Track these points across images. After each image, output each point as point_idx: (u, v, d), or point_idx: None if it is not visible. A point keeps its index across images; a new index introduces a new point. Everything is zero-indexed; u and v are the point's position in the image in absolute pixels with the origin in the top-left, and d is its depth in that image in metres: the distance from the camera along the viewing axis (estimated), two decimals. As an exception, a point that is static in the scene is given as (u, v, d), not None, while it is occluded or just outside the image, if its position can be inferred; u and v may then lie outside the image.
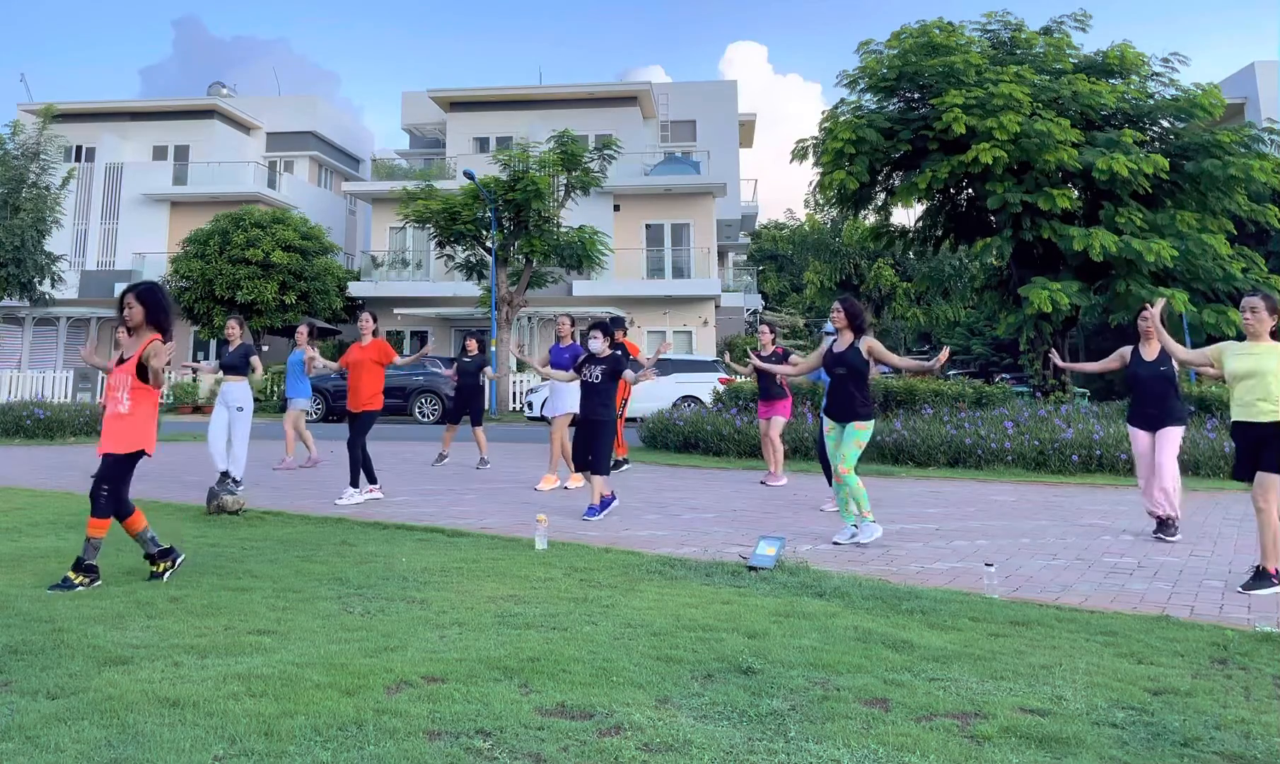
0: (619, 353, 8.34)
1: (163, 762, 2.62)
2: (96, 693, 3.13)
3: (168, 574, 5.01)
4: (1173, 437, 6.67)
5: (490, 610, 4.40)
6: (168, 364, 5.02)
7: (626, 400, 11.28)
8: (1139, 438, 6.91)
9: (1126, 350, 7.04)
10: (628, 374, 7.88)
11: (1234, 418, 5.31)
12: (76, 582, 4.77)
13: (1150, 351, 6.82)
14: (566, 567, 5.46)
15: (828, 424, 6.69)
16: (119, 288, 5.77)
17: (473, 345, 11.75)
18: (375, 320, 9.11)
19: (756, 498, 8.88)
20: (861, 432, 6.44)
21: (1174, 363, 6.64)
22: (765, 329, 10.16)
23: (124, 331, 5.31)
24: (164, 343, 5.01)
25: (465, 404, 11.83)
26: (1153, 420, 6.75)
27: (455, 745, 2.76)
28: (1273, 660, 3.72)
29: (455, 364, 11.73)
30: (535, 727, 2.92)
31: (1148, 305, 6.90)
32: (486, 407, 24.06)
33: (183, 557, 5.18)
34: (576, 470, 8.08)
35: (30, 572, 4.99)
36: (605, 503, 7.59)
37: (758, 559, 5.39)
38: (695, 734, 2.87)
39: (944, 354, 6.37)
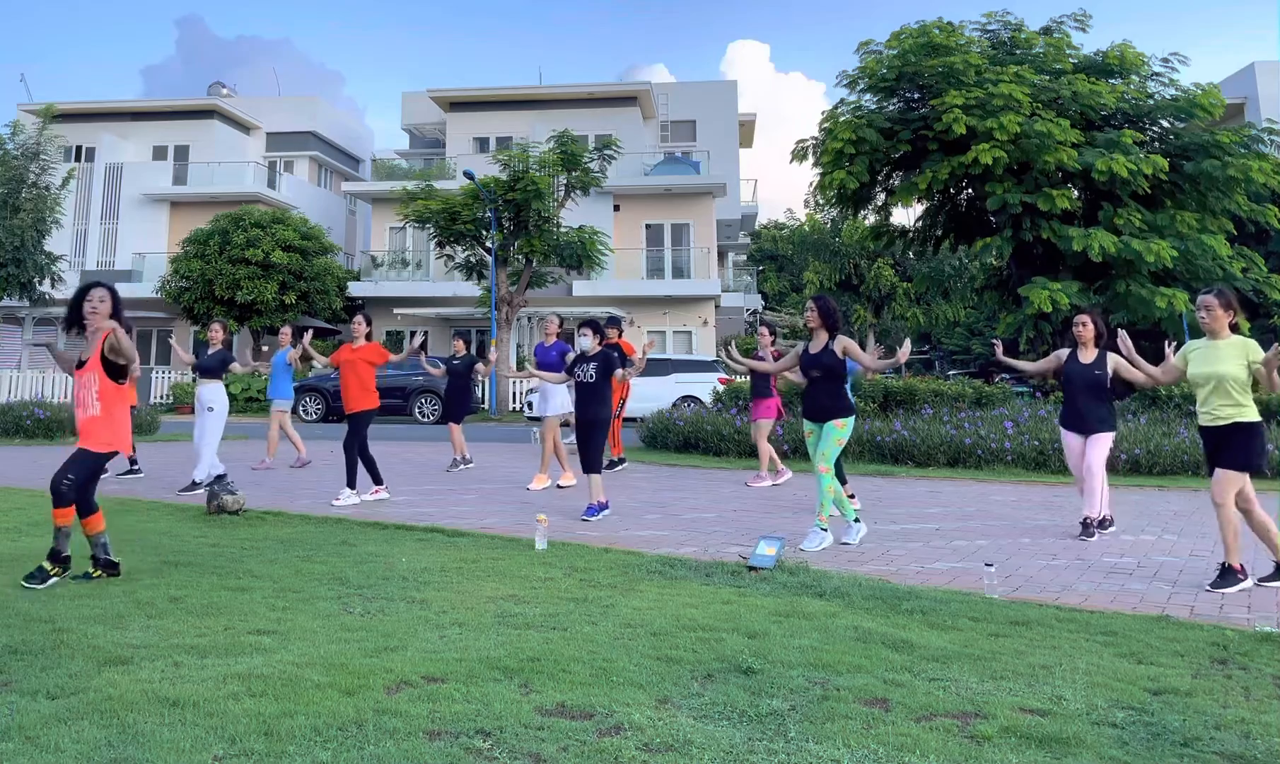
0: (610, 350, 8.30)
1: (163, 762, 2.62)
2: (96, 693, 3.13)
3: (99, 578, 4.96)
4: (1103, 441, 6.74)
5: (490, 610, 4.40)
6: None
7: (624, 400, 11.27)
8: (1071, 442, 6.94)
9: (1063, 352, 7.11)
10: (618, 372, 7.84)
11: (1200, 422, 5.38)
12: (51, 572, 4.84)
13: (1086, 356, 6.89)
14: (566, 567, 5.46)
15: (807, 427, 6.63)
16: (120, 288, 5.79)
17: (459, 346, 11.73)
18: (369, 323, 8.92)
19: (756, 498, 8.88)
20: (841, 430, 6.35)
21: (1108, 369, 6.75)
22: (764, 330, 10.16)
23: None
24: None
25: (452, 402, 11.79)
26: (1083, 425, 6.81)
27: (455, 745, 2.76)
28: (1273, 660, 3.72)
29: (445, 364, 11.70)
30: (535, 727, 2.92)
31: (1084, 313, 6.98)
32: (486, 407, 24.10)
33: (121, 575, 5.08)
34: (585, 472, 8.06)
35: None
36: (601, 507, 7.58)
37: (758, 559, 5.40)
38: (695, 734, 2.87)
39: (905, 348, 6.26)
